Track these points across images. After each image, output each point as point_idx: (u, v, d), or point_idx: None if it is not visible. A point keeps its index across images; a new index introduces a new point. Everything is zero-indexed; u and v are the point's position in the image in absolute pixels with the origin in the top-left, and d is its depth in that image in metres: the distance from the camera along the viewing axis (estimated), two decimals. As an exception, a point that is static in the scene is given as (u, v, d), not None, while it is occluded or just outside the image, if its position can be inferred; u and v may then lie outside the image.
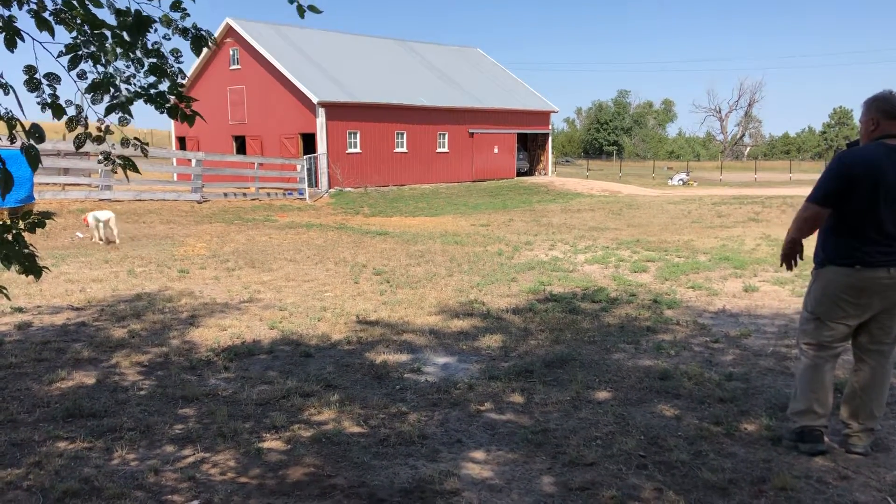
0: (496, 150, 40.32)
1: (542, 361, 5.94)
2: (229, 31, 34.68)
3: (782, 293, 8.70)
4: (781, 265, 4.40)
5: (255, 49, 33.52)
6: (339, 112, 32.25)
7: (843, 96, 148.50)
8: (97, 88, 2.86)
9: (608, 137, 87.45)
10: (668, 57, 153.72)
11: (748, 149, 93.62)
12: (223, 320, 7.50)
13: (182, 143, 37.76)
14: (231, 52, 35.08)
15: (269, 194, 27.28)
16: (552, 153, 47.86)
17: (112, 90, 2.92)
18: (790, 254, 4.31)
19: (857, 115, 4.61)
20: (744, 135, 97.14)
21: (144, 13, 2.92)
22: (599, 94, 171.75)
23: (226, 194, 25.63)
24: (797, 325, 4.69)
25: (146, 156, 3.27)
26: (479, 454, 4.17)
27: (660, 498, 3.59)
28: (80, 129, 2.95)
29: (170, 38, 3.09)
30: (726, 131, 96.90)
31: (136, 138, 3.12)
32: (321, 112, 31.54)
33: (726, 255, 11.73)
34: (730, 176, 51.72)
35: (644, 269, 10.74)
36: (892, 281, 4.01)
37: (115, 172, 3.22)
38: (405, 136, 35.46)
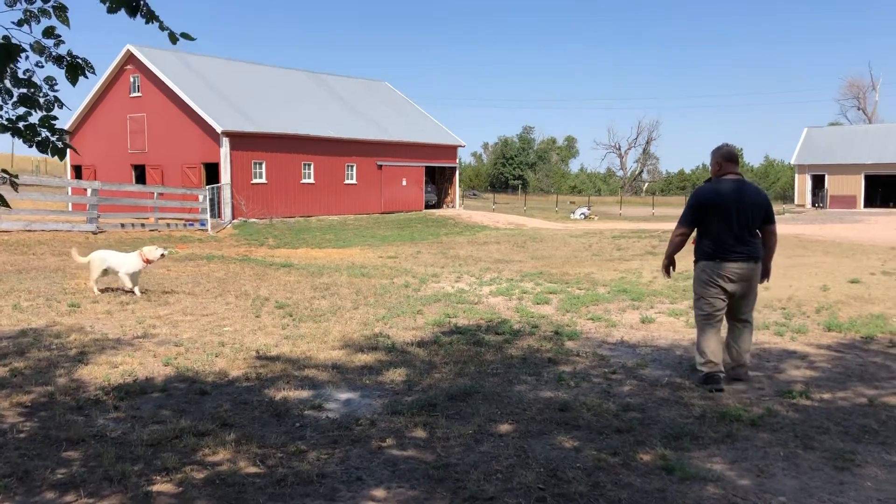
0: (404, 183, 40.51)
1: (446, 395, 5.92)
2: (130, 57, 33.74)
3: (677, 324, 9.00)
4: (664, 275, 6.65)
5: (156, 77, 32.69)
6: (243, 142, 31.74)
7: (733, 135, 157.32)
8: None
9: (513, 172, 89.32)
10: (571, 95, 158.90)
11: (646, 184, 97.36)
12: (115, 357, 7.15)
13: (78, 171, 36.22)
14: (132, 80, 34.09)
15: (168, 225, 26.45)
16: (460, 186, 48.43)
17: None
18: (667, 266, 6.56)
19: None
20: (642, 171, 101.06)
21: (14, 40, 2.77)
22: (505, 130, 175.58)
23: (123, 225, 24.70)
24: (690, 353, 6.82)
25: (16, 189, 3.10)
26: (379, 492, 4.10)
27: (558, 530, 3.60)
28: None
29: (42, 66, 2.94)
30: (626, 167, 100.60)
31: (3, 170, 2.95)
32: (225, 141, 30.96)
33: (625, 288, 12.08)
34: (629, 210, 53.59)
35: (546, 301, 10.93)
36: (742, 271, 6.06)
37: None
38: (312, 166, 35.18)
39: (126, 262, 11.12)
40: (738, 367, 6.36)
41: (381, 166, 38.79)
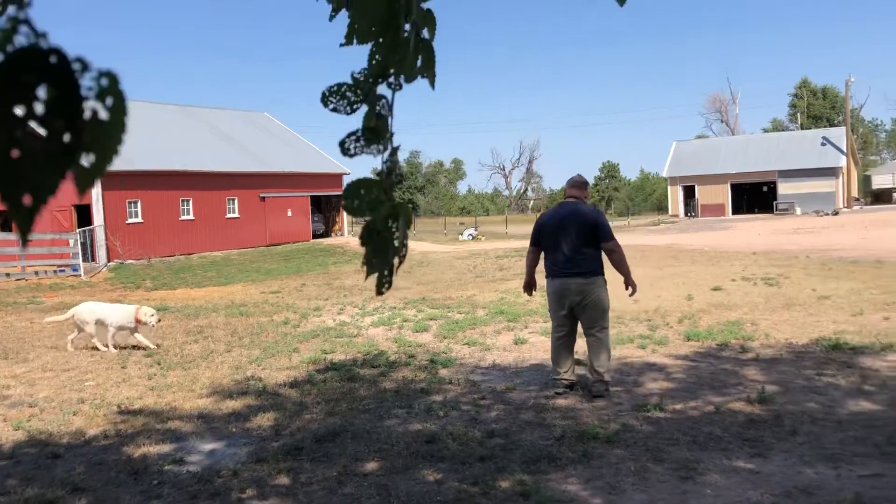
0: (290, 214, 39.92)
1: (314, 437, 5.85)
2: (-14, 97, 31.89)
3: (548, 343, 9.23)
4: (524, 292, 7.24)
5: (17, 116, 31.00)
6: (116, 181, 30.43)
7: (610, 151, 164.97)
8: None
9: (403, 196, 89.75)
10: (455, 119, 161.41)
11: (532, 202, 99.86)
12: (-41, 425, 6.69)
13: (-68, 220, 33.79)
14: (-11, 120, 32.20)
15: (37, 273, 25.04)
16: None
17: None
18: (527, 284, 7.14)
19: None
20: (527, 189, 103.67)
21: None
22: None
23: (-16, 275, 23.20)
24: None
25: None
26: (233, 548, 4.00)
27: (411, 570, 3.62)
28: None
29: None
30: (511, 187, 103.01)
31: None
32: (96, 182, 29.63)
33: (503, 309, 12.32)
34: (515, 228, 54.67)
35: (426, 328, 11.00)
36: (567, 287, 6.57)
37: None
38: (192, 202, 34.17)
39: (118, 316, 10.29)
40: (597, 383, 6.65)
41: (264, 198, 38.10)
